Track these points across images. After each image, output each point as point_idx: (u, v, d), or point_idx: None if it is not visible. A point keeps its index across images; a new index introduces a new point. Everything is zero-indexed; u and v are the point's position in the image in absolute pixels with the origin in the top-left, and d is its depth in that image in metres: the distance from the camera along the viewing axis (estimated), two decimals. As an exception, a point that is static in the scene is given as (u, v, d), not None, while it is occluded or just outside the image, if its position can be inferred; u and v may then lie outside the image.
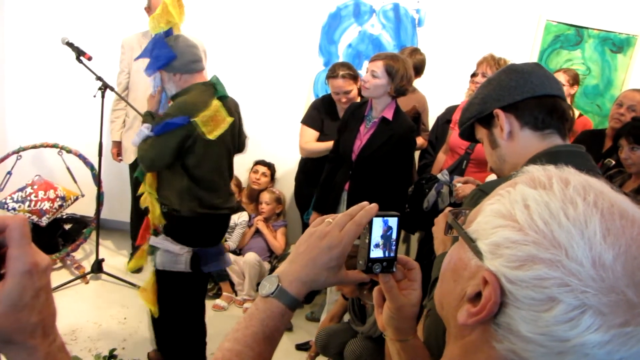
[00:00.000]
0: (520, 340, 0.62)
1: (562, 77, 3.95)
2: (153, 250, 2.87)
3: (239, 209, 4.34)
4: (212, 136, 2.62)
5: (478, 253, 0.67)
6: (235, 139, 2.90)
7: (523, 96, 1.38)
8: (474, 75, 3.40)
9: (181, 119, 2.57)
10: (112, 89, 3.84)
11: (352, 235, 0.92)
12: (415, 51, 3.89)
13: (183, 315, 2.97)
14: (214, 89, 2.72)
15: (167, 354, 3.12)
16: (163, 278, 2.88)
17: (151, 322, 3.17)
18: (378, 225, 0.93)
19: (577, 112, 4.15)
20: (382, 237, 0.94)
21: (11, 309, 0.62)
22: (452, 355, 0.74)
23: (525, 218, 0.63)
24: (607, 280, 0.58)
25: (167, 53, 2.65)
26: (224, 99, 2.74)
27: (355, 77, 3.59)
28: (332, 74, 3.59)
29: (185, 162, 2.69)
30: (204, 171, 2.72)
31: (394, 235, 0.95)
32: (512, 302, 0.62)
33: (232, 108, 2.81)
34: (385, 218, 0.93)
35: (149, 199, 2.85)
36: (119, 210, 4.78)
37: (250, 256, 4.23)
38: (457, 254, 0.73)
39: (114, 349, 3.31)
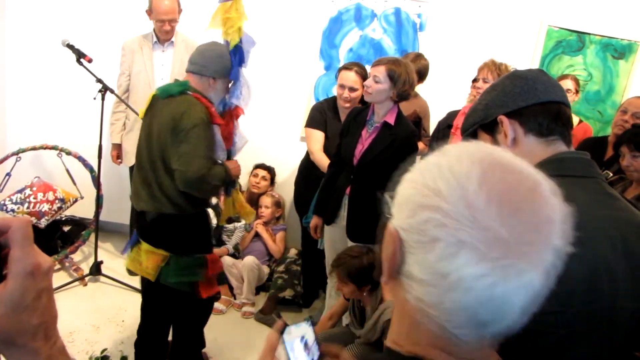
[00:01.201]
0: (417, 284, 0.71)
1: (569, 84, 3.94)
2: None
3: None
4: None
5: (390, 217, 0.77)
6: (153, 143, 2.70)
7: (527, 102, 1.38)
8: (475, 80, 3.41)
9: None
10: (112, 92, 3.86)
11: None
12: (419, 56, 3.91)
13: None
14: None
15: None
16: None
17: None
18: (290, 346, 0.94)
19: (576, 119, 4.15)
20: (303, 348, 0.95)
21: (13, 310, 0.62)
22: (394, 321, 0.83)
23: (419, 177, 0.74)
24: (480, 221, 0.65)
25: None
26: (158, 96, 2.72)
27: (364, 76, 3.60)
28: (345, 67, 3.63)
29: None
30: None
31: (312, 338, 0.97)
32: (408, 249, 0.72)
33: (159, 110, 2.70)
34: (291, 341, 0.95)
35: None
36: (118, 212, 4.78)
37: (249, 260, 4.23)
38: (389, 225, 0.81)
39: (104, 349, 3.32)
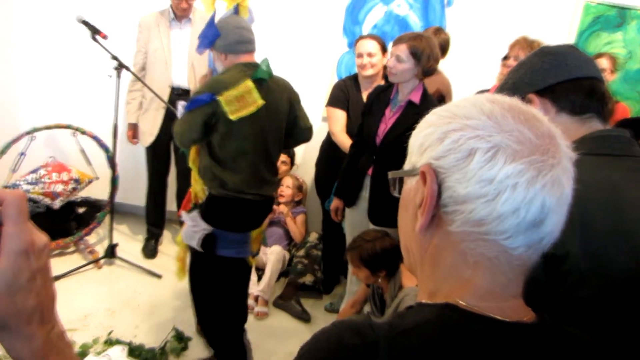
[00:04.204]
0: (463, 203, 0.75)
1: (604, 63, 3.84)
2: (182, 223, 3.01)
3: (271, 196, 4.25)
4: (233, 117, 2.63)
5: (412, 168, 0.83)
6: (277, 125, 2.89)
7: (558, 79, 1.34)
8: (505, 58, 3.35)
9: (206, 96, 2.63)
10: (128, 69, 3.87)
11: None
12: (439, 30, 3.84)
13: (210, 297, 3.01)
14: (254, 70, 2.74)
15: (205, 333, 3.25)
16: (193, 255, 2.99)
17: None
18: None
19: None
20: None
21: (5, 292, 0.60)
22: (425, 280, 0.85)
23: (430, 119, 0.83)
24: (503, 126, 0.75)
25: (213, 32, 2.76)
26: (263, 81, 2.74)
27: (384, 47, 3.60)
28: (361, 37, 3.66)
29: (211, 140, 2.74)
30: (226, 152, 2.74)
31: None
32: (445, 173, 0.77)
33: (275, 92, 2.82)
34: None
35: (193, 174, 2.99)
36: (133, 194, 4.81)
37: (277, 249, 4.23)
38: (403, 192, 0.88)
39: (111, 331, 3.35)
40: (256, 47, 2.82)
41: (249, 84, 2.67)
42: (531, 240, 0.75)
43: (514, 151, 0.73)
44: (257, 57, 2.83)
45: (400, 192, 0.90)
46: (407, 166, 0.86)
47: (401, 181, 0.90)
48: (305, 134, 3.09)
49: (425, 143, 0.81)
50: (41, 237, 0.63)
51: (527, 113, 0.78)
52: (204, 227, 2.80)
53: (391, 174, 0.91)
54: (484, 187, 0.73)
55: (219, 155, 2.75)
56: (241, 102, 2.66)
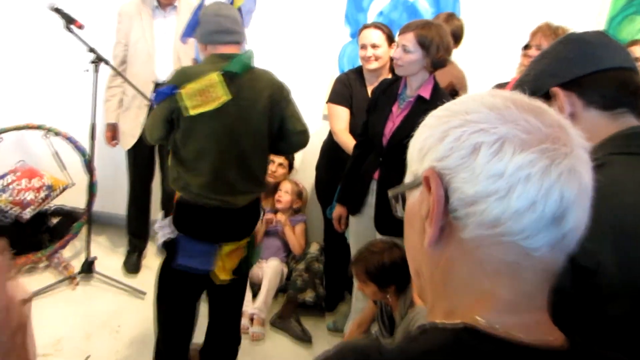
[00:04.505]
0: (474, 204, 0.75)
1: (639, 51, 3.82)
2: None
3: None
4: (193, 112, 2.63)
5: (414, 178, 0.85)
6: (256, 126, 2.83)
7: (585, 70, 1.34)
8: (526, 47, 3.34)
9: (168, 88, 2.65)
10: (106, 63, 3.87)
11: None
12: (452, 17, 3.84)
13: (159, 309, 3.03)
14: (228, 62, 2.72)
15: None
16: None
17: None
18: None
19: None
20: None
21: None
22: (437, 300, 0.84)
23: (428, 121, 0.85)
24: (507, 116, 0.76)
25: (194, 20, 2.80)
26: (234, 75, 2.70)
27: (390, 37, 3.60)
28: (365, 26, 3.67)
29: (175, 137, 2.76)
30: (187, 151, 2.75)
31: None
32: (450, 174, 0.77)
33: (251, 88, 2.77)
34: None
35: None
36: (113, 202, 4.80)
37: (275, 263, 4.23)
38: (407, 209, 0.88)
39: (88, 357, 3.34)
40: (243, 39, 2.80)
41: (214, 77, 2.65)
42: (553, 239, 0.75)
43: (522, 141, 0.74)
44: (255, 50, 2.85)
45: (404, 211, 0.90)
46: (407, 178, 0.88)
47: (404, 198, 0.90)
48: (296, 138, 3.00)
49: (424, 147, 0.82)
50: (22, 291, 0.64)
51: (531, 104, 0.80)
52: (169, 231, 2.83)
53: (391, 192, 0.93)
54: (494, 182, 0.73)
55: (182, 154, 2.76)
56: (203, 97, 2.64)
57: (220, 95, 2.65)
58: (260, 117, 2.81)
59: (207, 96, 2.64)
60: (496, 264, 0.76)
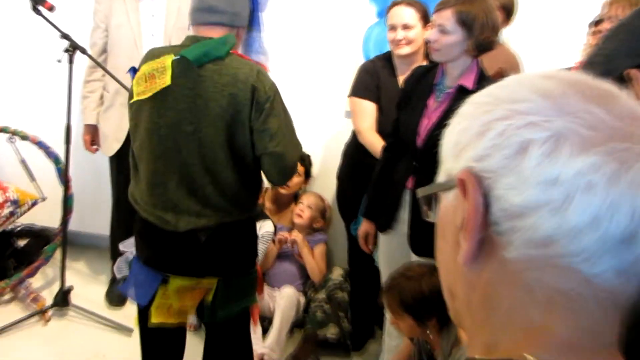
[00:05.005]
0: (521, 216, 0.71)
1: None
2: None
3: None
4: (135, 98, 2.64)
5: (447, 179, 0.81)
6: (208, 132, 2.60)
7: None
8: (596, 23, 3.30)
9: (131, 69, 2.73)
10: (83, 52, 3.88)
11: None
12: (501, -14, 3.82)
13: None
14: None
15: None
16: None
17: None
18: None
19: None
20: None
21: None
22: (476, 330, 0.82)
23: (465, 111, 0.81)
24: (565, 106, 0.71)
25: None
26: (190, 63, 2.56)
27: (425, 16, 3.59)
28: (394, 2, 3.64)
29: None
30: (135, 148, 2.78)
31: None
32: (491, 178, 0.73)
33: (206, 83, 2.58)
34: None
35: None
36: (93, 219, 4.86)
37: (289, 292, 4.22)
38: (439, 215, 0.85)
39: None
40: (235, 21, 2.70)
41: (167, 60, 2.58)
42: (622, 264, 0.69)
43: (583, 138, 0.69)
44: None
45: (428, 216, 0.88)
46: (440, 177, 0.84)
47: (437, 199, 0.87)
48: (265, 160, 2.72)
49: (461, 141, 0.78)
50: None
51: (597, 88, 0.75)
52: (125, 249, 2.94)
53: (421, 192, 0.88)
54: (546, 190, 0.69)
55: (133, 152, 2.81)
56: (149, 82, 2.60)
57: (165, 80, 2.57)
58: (215, 122, 2.59)
59: (152, 82, 2.58)
60: (548, 291, 0.72)
